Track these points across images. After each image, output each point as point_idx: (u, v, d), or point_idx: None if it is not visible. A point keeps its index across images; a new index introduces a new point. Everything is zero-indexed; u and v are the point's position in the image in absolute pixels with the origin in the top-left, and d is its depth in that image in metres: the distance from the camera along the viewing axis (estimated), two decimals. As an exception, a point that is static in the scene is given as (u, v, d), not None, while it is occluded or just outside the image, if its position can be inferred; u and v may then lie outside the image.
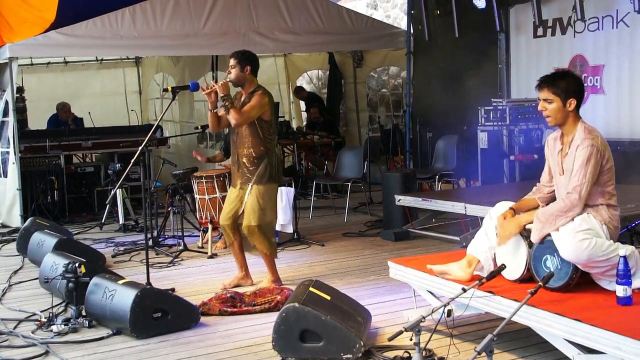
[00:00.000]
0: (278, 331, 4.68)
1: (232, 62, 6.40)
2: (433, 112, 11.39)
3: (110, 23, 9.95)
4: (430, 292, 5.15)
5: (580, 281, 4.45)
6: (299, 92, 14.41)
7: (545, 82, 4.62)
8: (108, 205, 9.67)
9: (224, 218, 6.56)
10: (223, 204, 7.82)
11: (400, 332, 4.14)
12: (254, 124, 6.33)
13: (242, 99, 6.42)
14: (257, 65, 6.50)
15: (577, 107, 4.60)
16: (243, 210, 6.40)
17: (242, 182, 6.44)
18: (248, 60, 6.40)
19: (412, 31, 11.88)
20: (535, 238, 4.59)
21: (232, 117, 6.19)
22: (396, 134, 12.31)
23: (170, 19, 10.22)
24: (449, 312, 4.72)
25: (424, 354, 4.37)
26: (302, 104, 14.95)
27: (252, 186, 6.38)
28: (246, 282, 6.67)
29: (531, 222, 4.63)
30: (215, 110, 6.36)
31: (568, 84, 4.60)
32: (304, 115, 14.80)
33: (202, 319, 5.61)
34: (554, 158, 4.76)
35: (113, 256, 8.13)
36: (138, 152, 6.18)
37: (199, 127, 8.98)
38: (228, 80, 6.36)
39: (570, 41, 9.54)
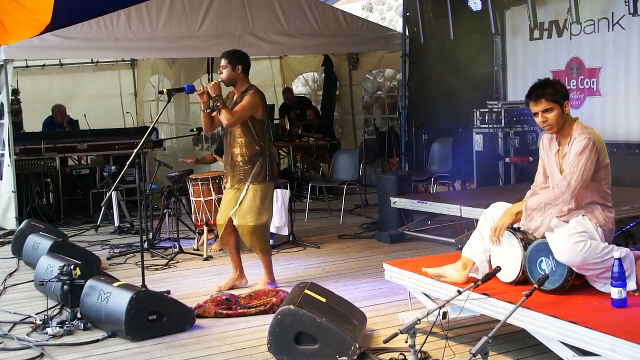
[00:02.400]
0: (273, 333, 4.68)
1: (223, 62, 6.39)
2: (428, 114, 11.41)
3: (105, 25, 9.94)
4: (425, 294, 5.15)
5: (575, 283, 4.46)
6: (287, 94, 14.30)
7: (540, 93, 4.58)
8: (103, 208, 9.67)
9: (220, 218, 6.56)
10: (219, 206, 7.85)
11: (396, 334, 4.14)
12: (246, 124, 6.33)
13: (235, 98, 6.42)
14: (249, 65, 6.49)
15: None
16: (238, 210, 6.39)
17: (237, 182, 6.44)
18: (239, 60, 6.39)
19: (407, 33, 11.89)
20: (524, 225, 4.60)
21: (224, 118, 6.18)
22: (391, 136, 12.31)
23: (165, 21, 10.21)
24: (444, 314, 4.72)
25: (419, 356, 4.37)
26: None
27: (248, 185, 6.38)
28: (241, 282, 6.67)
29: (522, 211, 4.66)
30: (207, 111, 6.35)
31: (558, 89, 4.62)
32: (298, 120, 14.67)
33: (198, 321, 5.60)
34: (550, 158, 4.77)
35: (108, 258, 8.12)
36: (133, 154, 6.16)
37: (195, 129, 8.97)
38: (220, 80, 6.36)
39: (566, 44, 9.55)
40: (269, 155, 6.47)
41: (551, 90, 4.58)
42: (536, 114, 4.63)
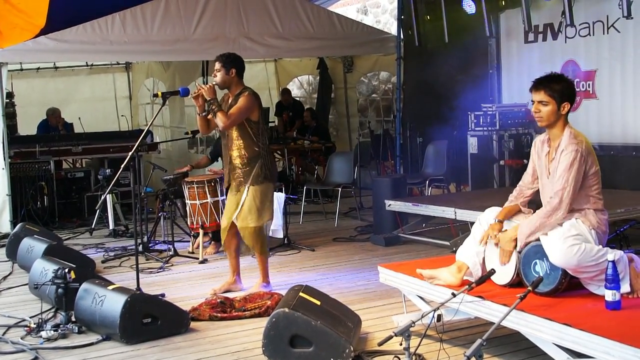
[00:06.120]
0: (268, 336, 4.68)
1: (217, 65, 6.40)
2: (423, 117, 11.41)
3: (100, 28, 9.93)
4: (420, 297, 5.15)
5: (569, 285, 4.47)
6: (285, 95, 14.29)
7: (542, 84, 4.62)
8: (98, 211, 9.64)
9: (224, 222, 6.56)
10: (214, 209, 7.87)
11: (390, 337, 4.13)
12: (243, 126, 6.34)
13: (229, 101, 6.43)
14: (243, 68, 6.49)
15: (568, 111, 4.63)
16: (240, 212, 6.39)
17: (237, 185, 6.44)
18: (233, 63, 6.40)
19: (402, 36, 11.89)
20: (520, 248, 4.61)
21: (220, 120, 6.19)
22: (386, 139, 12.31)
23: (160, 24, 10.20)
24: (439, 317, 4.73)
25: (413, 358, 4.37)
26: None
27: (248, 187, 6.38)
28: (237, 287, 6.67)
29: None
30: (203, 114, 6.35)
31: (564, 88, 4.61)
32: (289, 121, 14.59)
33: (192, 324, 5.60)
34: (541, 160, 4.78)
35: (103, 262, 8.11)
36: (128, 157, 6.16)
37: (190, 132, 8.96)
38: (214, 83, 6.36)
39: (561, 46, 9.56)
40: (267, 156, 6.49)
41: (555, 87, 4.58)
42: (533, 101, 4.66)
